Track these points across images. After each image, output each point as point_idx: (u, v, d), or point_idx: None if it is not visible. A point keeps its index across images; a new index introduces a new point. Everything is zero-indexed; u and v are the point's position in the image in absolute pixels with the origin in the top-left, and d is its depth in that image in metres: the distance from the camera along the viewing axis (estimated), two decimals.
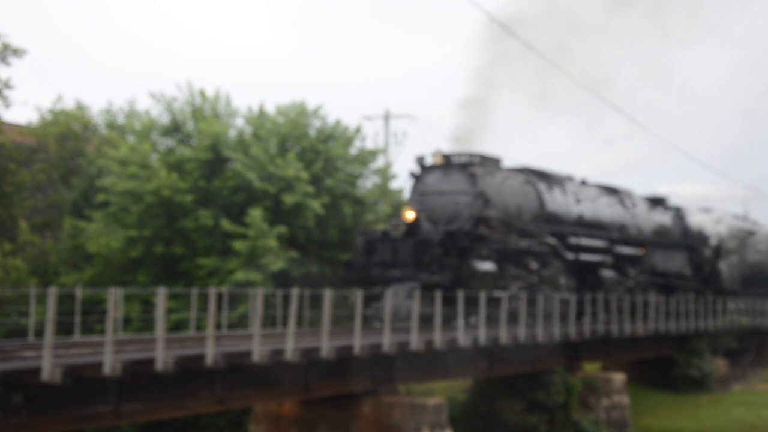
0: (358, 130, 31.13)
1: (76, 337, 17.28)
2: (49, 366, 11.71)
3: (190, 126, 30.19)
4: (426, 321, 19.15)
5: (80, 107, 32.98)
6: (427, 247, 22.07)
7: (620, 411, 26.02)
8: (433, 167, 24.28)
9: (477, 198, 23.25)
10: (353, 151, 30.78)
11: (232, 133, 29.91)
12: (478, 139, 25.07)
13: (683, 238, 35.95)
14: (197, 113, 30.11)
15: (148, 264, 27.98)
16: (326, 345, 15.72)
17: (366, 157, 31.09)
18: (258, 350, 14.45)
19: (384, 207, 30.44)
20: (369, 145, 32.54)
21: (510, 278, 23.13)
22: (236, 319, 24.20)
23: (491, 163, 25.01)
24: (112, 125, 33.61)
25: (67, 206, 31.42)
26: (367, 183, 31.82)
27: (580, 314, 25.57)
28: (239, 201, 28.13)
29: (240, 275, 25.73)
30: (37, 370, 11.80)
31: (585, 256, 27.14)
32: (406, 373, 19.27)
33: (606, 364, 30.11)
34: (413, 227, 22.82)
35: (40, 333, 15.76)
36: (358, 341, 16.39)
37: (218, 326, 19.16)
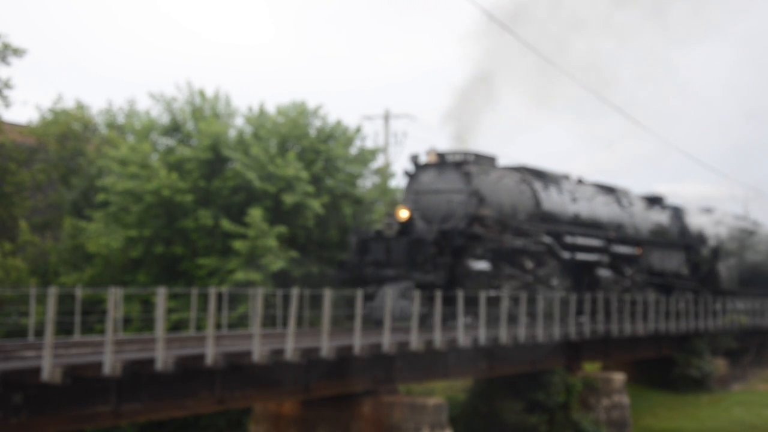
0: (358, 130, 31.12)
1: (76, 337, 17.27)
2: (49, 366, 11.71)
3: (190, 126, 30.20)
4: (422, 321, 19.03)
5: (80, 107, 32.97)
6: (421, 246, 21.90)
7: (620, 411, 26.00)
8: (427, 166, 24.10)
9: (471, 197, 23.09)
10: (353, 150, 30.77)
11: (232, 133, 29.90)
12: (474, 136, 24.92)
13: (681, 238, 35.83)
14: (197, 113, 30.11)
15: (148, 264, 27.98)
16: (326, 345, 15.72)
17: (366, 157, 31.09)
18: (258, 350, 14.45)
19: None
20: (369, 144, 32.50)
21: (505, 278, 22.98)
22: (236, 319, 24.18)
23: (486, 161, 24.83)
24: (112, 125, 33.60)
25: (67, 206, 31.42)
26: (367, 183, 31.81)
27: (578, 314, 25.44)
28: (239, 201, 28.13)
29: (240, 275, 25.72)
30: (37, 370, 11.80)
31: (581, 256, 26.99)
32: (406, 373, 19.26)
33: (606, 364, 30.09)
34: (407, 226, 22.63)
35: (40, 333, 15.76)
36: (358, 341, 16.39)
37: (218, 326, 19.16)
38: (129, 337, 17.89)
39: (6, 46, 28.37)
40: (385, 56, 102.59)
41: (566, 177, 28.92)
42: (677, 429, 27.72)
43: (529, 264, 24.16)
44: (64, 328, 18.23)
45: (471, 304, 20.15)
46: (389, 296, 17.80)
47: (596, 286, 27.29)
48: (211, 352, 13.75)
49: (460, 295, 19.49)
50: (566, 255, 26.19)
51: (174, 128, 30.36)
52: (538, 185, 26.34)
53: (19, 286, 25.71)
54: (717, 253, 37.21)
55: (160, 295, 13.65)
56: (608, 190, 31.52)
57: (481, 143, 25.14)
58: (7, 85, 28.64)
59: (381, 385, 18.51)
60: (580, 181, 29.96)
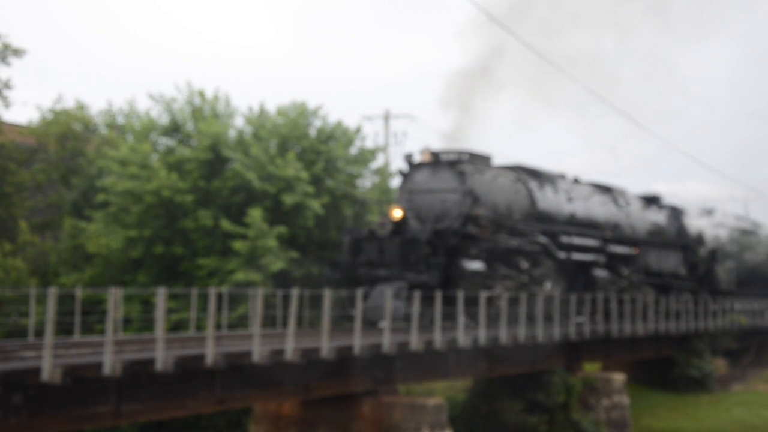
0: (358, 130, 31.14)
1: (76, 337, 17.26)
2: (49, 366, 11.71)
3: (189, 126, 30.21)
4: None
5: (80, 107, 32.98)
6: (414, 246, 21.65)
7: (620, 411, 25.99)
8: (421, 165, 23.84)
9: (466, 196, 22.86)
10: (353, 150, 30.78)
11: (232, 134, 29.92)
12: (470, 135, 24.71)
13: (678, 238, 35.66)
14: (197, 113, 30.12)
15: (148, 264, 27.99)
16: (326, 345, 15.72)
17: (366, 157, 31.09)
18: (258, 350, 14.45)
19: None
20: (369, 145, 32.50)
21: (500, 278, 22.80)
22: (236, 319, 24.19)
23: (481, 160, 24.59)
24: (112, 125, 33.61)
25: (67, 206, 31.43)
26: (366, 182, 31.81)
27: (576, 314, 25.25)
28: (239, 201, 28.14)
29: (240, 275, 25.73)
30: (37, 370, 11.80)
31: (577, 256, 26.77)
32: (406, 373, 19.25)
33: (606, 364, 30.07)
34: (400, 226, 22.40)
35: (40, 333, 15.76)
36: (358, 341, 16.38)
37: (218, 326, 19.16)
38: (129, 338, 17.88)
39: (6, 46, 28.39)
40: (385, 56, 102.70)
41: (562, 176, 28.71)
42: (677, 429, 27.71)
43: (524, 264, 23.97)
44: (64, 328, 18.21)
45: (467, 304, 20.00)
46: (388, 297, 17.77)
47: (592, 286, 27.09)
48: (211, 353, 13.75)
49: (460, 295, 19.47)
50: (562, 255, 25.99)
51: (174, 128, 30.38)
52: (533, 184, 26.12)
53: (19, 286, 25.72)
54: (715, 253, 37.10)
55: (160, 296, 13.65)
56: (605, 189, 31.30)
57: (478, 142, 24.99)
58: (7, 85, 28.67)
59: (381, 385, 18.50)
60: (576, 181, 29.75)
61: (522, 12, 26.46)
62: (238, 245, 26.25)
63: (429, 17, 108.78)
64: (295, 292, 15.75)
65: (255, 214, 26.46)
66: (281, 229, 27.02)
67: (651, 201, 35.02)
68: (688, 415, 29.28)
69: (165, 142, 30.67)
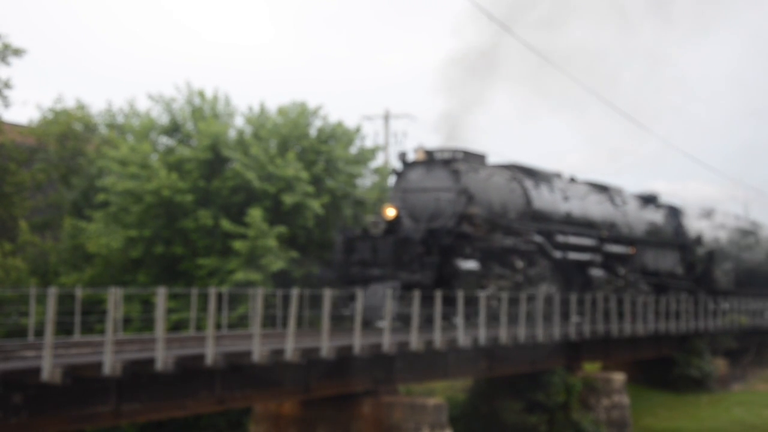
0: (357, 129, 31.13)
1: (76, 337, 17.27)
2: (49, 366, 11.71)
3: (189, 126, 30.21)
4: (407, 321, 18.82)
5: (81, 106, 32.98)
6: (408, 245, 21.45)
7: (620, 411, 25.99)
8: (415, 163, 23.59)
9: (460, 195, 22.64)
10: (353, 150, 30.77)
11: (232, 133, 29.91)
12: (468, 130, 24.49)
13: (676, 237, 35.50)
14: (197, 113, 30.12)
15: (148, 264, 27.99)
16: (326, 345, 15.72)
17: (366, 156, 31.08)
18: (258, 350, 14.45)
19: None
20: (369, 144, 32.45)
21: (494, 277, 22.60)
22: (236, 319, 24.18)
23: (476, 159, 24.36)
24: (111, 125, 33.60)
25: (67, 206, 31.43)
26: (366, 182, 31.79)
27: (568, 314, 25.08)
28: (239, 201, 28.13)
29: (240, 275, 25.73)
30: (37, 370, 11.80)
31: (573, 255, 26.62)
32: (406, 373, 19.26)
33: (606, 364, 30.07)
34: (394, 225, 22.21)
35: (40, 333, 15.76)
36: (358, 341, 16.38)
37: (218, 326, 19.15)
38: (129, 337, 17.89)
39: (6, 46, 28.38)
40: (385, 56, 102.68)
41: (558, 175, 28.50)
42: (677, 429, 27.71)
43: (519, 263, 23.79)
44: (64, 328, 18.22)
45: (464, 304, 19.80)
46: (388, 297, 17.77)
47: (589, 285, 26.93)
48: (211, 352, 13.75)
49: (460, 295, 19.46)
50: (558, 254, 25.82)
51: (174, 128, 30.38)
52: (528, 183, 25.91)
53: (19, 286, 25.71)
54: (713, 252, 36.99)
55: (160, 295, 13.65)
56: (601, 188, 31.12)
57: (478, 139, 24.84)
58: (7, 85, 28.66)
59: (381, 385, 18.51)
60: (572, 180, 29.57)
61: (522, 7, 26.34)
62: (238, 245, 26.25)
63: (429, 17, 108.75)
64: (295, 292, 15.75)
65: (255, 214, 26.46)
66: (281, 229, 27.02)
67: (648, 200, 34.83)
68: (688, 415, 29.29)
69: (165, 142, 30.67)
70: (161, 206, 27.60)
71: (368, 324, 19.70)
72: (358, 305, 16.89)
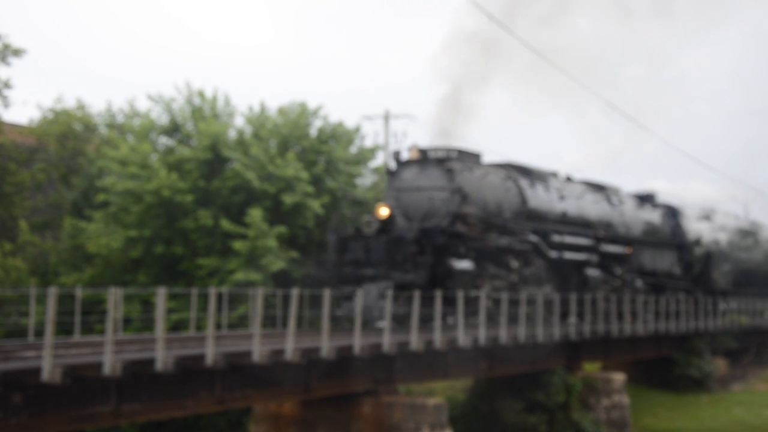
0: (357, 129, 31.14)
1: (76, 337, 17.27)
2: (49, 366, 11.71)
3: (189, 126, 30.22)
4: (400, 321, 18.75)
5: (81, 106, 32.99)
6: (401, 244, 21.16)
7: (620, 411, 25.98)
8: (409, 162, 23.30)
9: (454, 194, 22.35)
10: (353, 150, 30.79)
11: (232, 133, 29.93)
12: (463, 132, 24.24)
13: (673, 237, 35.32)
14: (197, 113, 30.13)
15: (148, 264, 28.00)
16: (326, 345, 15.71)
17: (365, 156, 31.08)
18: (258, 350, 14.44)
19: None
20: (369, 144, 32.47)
21: (489, 277, 22.40)
22: (236, 319, 24.19)
23: (470, 158, 24.09)
24: (111, 125, 33.62)
25: (67, 206, 31.45)
26: (366, 181, 31.80)
27: (567, 314, 25.05)
28: (239, 201, 28.14)
29: (240, 275, 25.74)
30: (37, 370, 11.80)
31: (569, 255, 26.40)
32: (406, 373, 19.25)
33: (606, 364, 30.07)
34: (387, 224, 21.89)
35: (40, 333, 15.76)
36: (358, 341, 16.38)
37: (218, 326, 19.15)
38: (129, 337, 17.89)
39: (6, 47, 28.40)
40: (385, 56, 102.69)
41: (554, 174, 28.27)
42: (677, 429, 27.71)
43: (514, 263, 23.61)
44: (64, 328, 18.23)
45: (453, 304, 19.70)
46: (389, 297, 17.74)
47: (585, 285, 26.71)
48: (211, 352, 13.75)
49: (460, 295, 19.44)
50: (553, 254, 25.61)
51: (173, 128, 30.39)
52: (524, 182, 25.65)
53: (19, 286, 25.72)
54: (710, 252, 36.86)
55: (160, 295, 13.65)
56: (598, 187, 30.90)
57: (474, 137, 24.70)
58: (6, 85, 28.68)
59: (381, 385, 18.50)
60: (568, 179, 29.30)
61: (522, 3, 26.20)
62: (238, 245, 26.25)
63: (429, 17, 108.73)
64: (295, 292, 15.74)
65: (255, 214, 26.46)
66: (281, 229, 27.02)
67: (645, 199, 34.59)
68: (688, 415, 29.29)
69: (165, 142, 30.68)
70: (161, 206, 27.61)
71: (362, 325, 19.38)
72: (358, 305, 16.87)
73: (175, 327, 24.54)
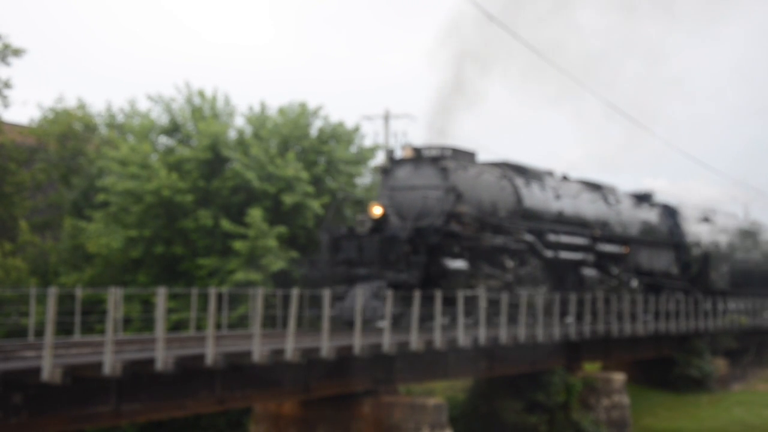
0: (356, 129, 31.14)
1: (76, 337, 17.28)
2: (49, 366, 11.71)
3: (189, 126, 30.22)
4: (395, 322, 18.56)
5: (82, 106, 33.00)
6: (394, 244, 20.93)
7: (620, 411, 25.99)
8: (403, 161, 23.10)
9: (448, 193, 22.11)
10: (353, 149, 30.79)
11: (232, 133, 29.94)
12: (460, 131, 24.07)
13: (671, 236, 35.17)
14: (196, 113, 30.13)
15: (148, 264, 28.00)
16: (326, 345, 15.72)
17: (365, 156, 31.08)
18: (258, 350, 14.45)
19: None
20: (368, 144, 32.45)
21: (483, 277, 22.23)
22: (236, 319, 24.19)
23: (465, 156, 23.89)
24: (111, 125, 33.63)
25: (67, 206, 31.45)
26: (366, 180, 31.80)
27: (567, 314, 24.88)
28: (239, 201, 28.15)
29: (240, 275, 25.74)
30: (37, 370, 11.80)
31: (565, 254, 26.24)
32: (406, 373, 19.24)
33: (606, 364, 30.07)
34: (380, 223, 21.60)
35: (40, 333, 15.76)
36: (358, 341, 16.38)
37: (218, 326, 19.15)
38: (129, 337, 17.90)
39: (6, 47, 28.41)
40: (385, 56, 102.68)
41: (550, 173, 28.08)
42: (677, 429, 27.71)
43: (509, 263, 23.47)
44: (64, 328, 18.23)
45: (450, 304, 19.61)
46: (389, 298, 17.73)
47: (581, 285, 26.55)
48: (211, 352, 13.75)
49: (460, 295, 19.42)
50: (549, 254, 25.45)
51: (173, 128, 30.40)
52: (519, 181, 25.47)
53: (19, 286, 25.73)
54: (709, 253, 36.78)
55: (160, 295, 13.65)
56: (594, 187, 30.70)
57: (473, 134, 24.53)
58: (6, 85, 28.69)
59: (381, 385, 18.50)
60: (564, 178, 29.14)
61: (519, 8, 26.14)
62: (238, 245, 26.26)
63: (429, 17, 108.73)
64: (295, 292, 15.74)
65: (255, 214, 26.47)
66: (281, 229, 27.02)
67: (642, 198, 34.42)
68: (688, 415, 29.29)
69: (165, 142, 30.69)
70: (161, 206, 27.61)
71: (351, 325, 18.91)
72: (358, 303, 16.87)
73: (175, 327, 24.54)
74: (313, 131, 30.62)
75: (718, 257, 37.66)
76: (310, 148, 29.85)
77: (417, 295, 18.26)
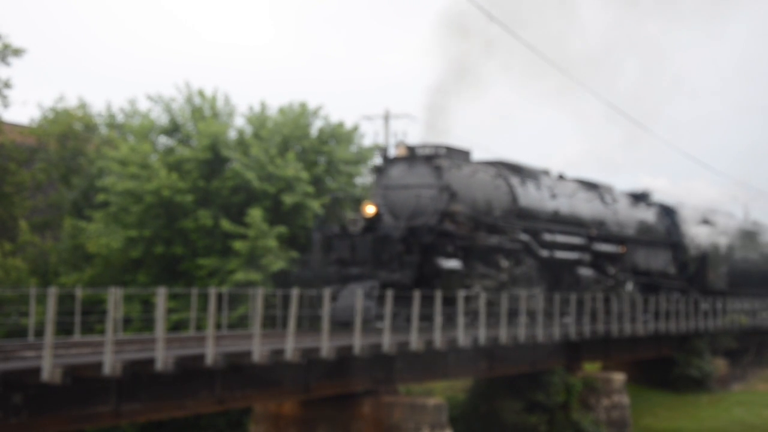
0: (355, 128, 31.13)
1: (76, 337, 17.28)
2: (49, 366, 11.71)
3: (189, 126, 30.23)
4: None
5: (82, 105, 33.00)
6: (387, 243, 20.75)
7: (620, 411, 25.99)
8: (396, 159, 22.91)
9: (442, 192, 21.93)
10: (352, 149, 30.79)
11: (232, 133, 29.93)
12: (457, 129, 23.87)
13: (668, 236, 35.01)
14: (196, 113, 30.13)
15: (148, 264, 28.00)
16: (326, 345, 15.71)
17: (365, 155, 31.08)
18: (258, 350, 14.45)
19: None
20: (368, 144, 32.46)
21: (478, 277, 22.10)
22: (236, 319, 24.19)
23: (459, 155, 23.69)
24: (111, 125, 33.63)
25: (67, 206, 31.45)
26: (366, 180, 31.78)
27: (562, 314, 24.75)
28: (239, 201, 28.15)
29: (240, 275, 25.74)
30: (37, 370, 11.80)
31: (560, 254, 26.07)
32: (406, 373, 19.24)
33: (606, 364, 30.05)
34: (373, 222, 21.43)
35: (40, 333, 15.76)
36: (358, 341, 16.38)
37: (218, 326, 19.15)
38: (129, 337, 17.89)
39: (6, 47, 28.41)
40: (385, 56, 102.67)
41: (546, 172, 27.88)
42: (677, 429, 27.71)
43: (504, 263, 23.30)
44: (64, 328, 18.23)
45: (446, 304, 19.44)
46: (389, 298, 17.71)
47: (577, 285, 26.42)
48: (211, 352, 13.75)
49: (461, 296, 19.42)
50: (545, 253, 25.30)
51: (173, 128, 30.40)
52: (514, 180, 25.27)
53: (19, 286, 25.73)
54: (706, 252, 36.69)
55: (160, 295, 13.65)
56: (591, 186, 30.51)
57: (472, 133, 24.50)
58: (6, 85, 28.69)
59: (381, 385, 18.50)
60: (560, 177, 28.94)
61: (519, 8, 26.07)
62: (238, 245, 26.26)
63: (428, 17, 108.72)
64: (295, 292, 15.74)
65: (255, 214, 26.47)
66: (281, 229, 27.02)
67: (640, 198, 34.24)
68: (688, 415, 29.29)
69: (165, 142, 30.70)
70: (161, 206, 27.61)
71: (344, 325, 18.98)
72: (358, 303, 16.86)
73: (175, 327, 24.54)
74: (313, 131, 30.62)
75: (716, 257, 37.56)
76: (310, 148, 29.85)
77: (417, 295, 18.25)
